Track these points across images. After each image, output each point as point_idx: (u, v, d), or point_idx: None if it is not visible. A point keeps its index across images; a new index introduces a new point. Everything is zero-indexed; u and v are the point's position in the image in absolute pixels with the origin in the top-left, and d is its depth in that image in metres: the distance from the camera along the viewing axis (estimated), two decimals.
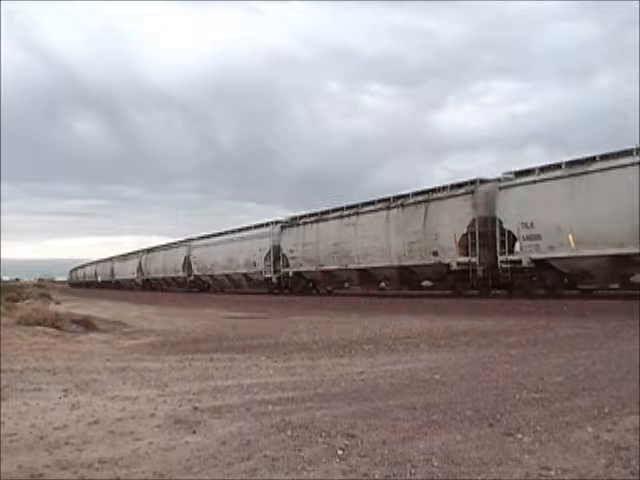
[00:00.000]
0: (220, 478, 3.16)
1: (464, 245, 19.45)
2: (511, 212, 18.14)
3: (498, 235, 18.50)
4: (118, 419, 4.48)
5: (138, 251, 54.27)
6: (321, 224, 27.30)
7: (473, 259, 19.20)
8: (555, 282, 17.82)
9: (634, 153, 15.19)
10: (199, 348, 9.23)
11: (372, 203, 24.66)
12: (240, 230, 35.64)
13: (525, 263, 17.87)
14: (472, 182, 20.02)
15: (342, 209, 26.30)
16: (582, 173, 16.29)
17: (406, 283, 23.30)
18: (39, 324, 12.87)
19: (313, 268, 27.38)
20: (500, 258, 18.41)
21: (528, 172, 18.09)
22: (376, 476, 3.13)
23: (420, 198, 21.89)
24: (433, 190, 21.60)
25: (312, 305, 21.34)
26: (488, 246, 18.94)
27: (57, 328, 12.67)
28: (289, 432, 4.00)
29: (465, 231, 19.43)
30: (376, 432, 3.95)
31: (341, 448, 3.60)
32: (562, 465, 3.19)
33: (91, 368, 7.16)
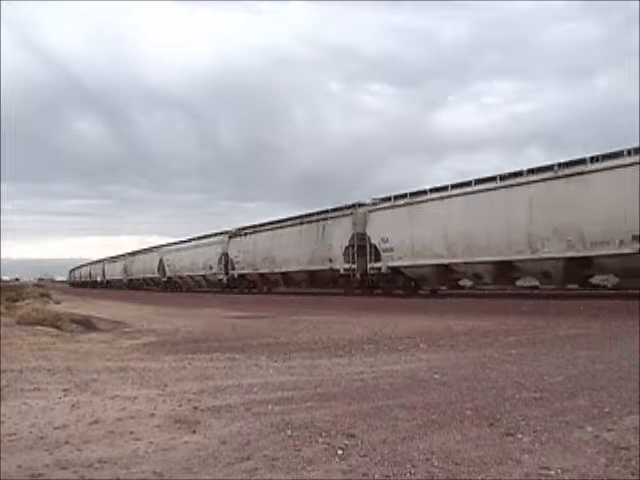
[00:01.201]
0: (220, 478, 3.16)
1: (347, 254, 24.88)
2: (375, 230, 23.70)
3: (368, 247, 23.81)
4: (118, 419, 4.48)
5: (124, 254, 59.59)
6: (257, 235, 33.17)
7: (353, 266, 24.60)
8: (405, 284, 23.14)
9: (472, 183, 19.94)
10: (199, 348, 9.23)
11: (294, 218, 30.20)
12: (201, 238, 41.38)
13: (384, 269, 23.27)
14: (353, 205, 25.73)
15: (273, 223, 32.17)
16: (416, 202, 21.86)
17: (314, 284, 28.48)
18: (39, 324, 12.89)
19: (252, 271, 33.14)
20: (369, 265, 23.85)
21: (389, 199, 23.60)
22: (376, 476, 3.13)
23: (321, 216, 27.66)
24: (329, 211, 27.37)
25: (312, 305, 21.36)
26: (363, 256, 24.09)
27: (57, 328, 12.69)
28: (289, 432, 4.00)
29: (348, 244, 24.94)
30: (376, 432, 3.95)
31: (341, 448, 3.60)
32: (562, 465, 3.19)
33: (91, 368, 7.16)
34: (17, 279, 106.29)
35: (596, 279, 18.00)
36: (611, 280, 17.47)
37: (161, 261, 46.63)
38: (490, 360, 7.08)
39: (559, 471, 3.11)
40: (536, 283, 19.56)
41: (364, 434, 3.90)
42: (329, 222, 26.79)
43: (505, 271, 19.22)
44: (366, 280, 24.21)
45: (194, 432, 4.08)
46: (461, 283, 22.24)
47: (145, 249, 53.86)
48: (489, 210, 18.94)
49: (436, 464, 3.26)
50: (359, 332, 10.89)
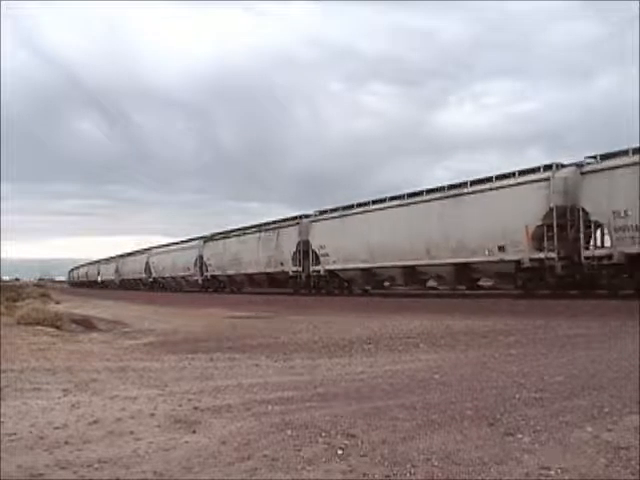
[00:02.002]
0: (220, 478, 3.16)
1: (295, 259, 29.16)
2: (315, 237, 28.08)
3: (310, 253, 28.15)
4: (118, 419, 4.48)
5: (115, 256, 62.77)
6: (226, 240, 37.48)
7: (299, 268, 28.86)
8: (341, 285, 27.54)
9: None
10: (199, 348, 9.23)
11: (254, 227, 34.54)
12: (182, 242, 45.77)
13: (322, 272, 27.56)
14: (300, 217, 29.95)
15: (240, 229, 36.53)
16: (344, 216, 26.46)
17: (270, 285, 32.52)
18: (39, 324, 12.89)
19: (221, 273, 37.45)
20: (311, 268, 28.15)
21: (325, 212, 28.32)
22: (376, 476, 3.13)
23: (275, 225, 31.96)
24: (281, 220, 31.87)
25: (312, 305, 21.36)
26: (307, 259, 28.43)
27: (57, 328, 12.69)
28: (289, 432, 4.00)
29: (294, 249, 29.14)
30: (376, 432, 3.95)
31: (341, 448, 3.60)
32: (562, 465, 3.19)
33: (91, 368, 7.17)
34: (17, 279, 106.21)
35: (482, 281, 22.16)
36: (488, 282, 21.16)
37: (147, 263, 50.05)
38: (490, 360, 7.08)
39: (559, 471, 3.11)
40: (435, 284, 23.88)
41: (364, 434, 3.90)
42: (281, 231, 31.03)
43: (413, 274, 23.20)
44: (309, 281, 28.60)
45: (194, 432, 4.08)
46: (386, 284, 25.91)
47: (135, 251, 57.05)
48: (395, 223, 23.10)
49: (436, 464, 3.26)
50: (358, 331, 10.89)
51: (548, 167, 18.01)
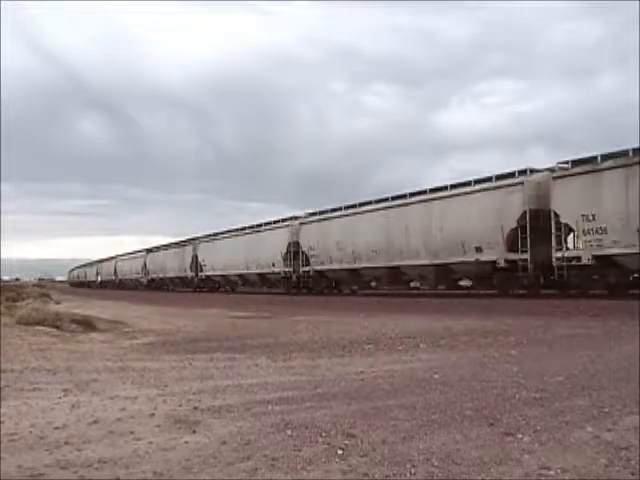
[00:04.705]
0: (220, 478, 3.16)
1: (285, 259, 30.52)
2: (305, 239, 29.43)
3: (300, 254, 29.72)
4: (118, 419, 4.48)
5: (113, 257, 66.49)
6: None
7: (289, 269, 30.33)
8: (328, 285, 29.19)
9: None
10: (199, 348, 9.23)
11: (246, 228, 37.15)
12: (177, 244, 49.19)
13: (311, 272, 29.11)
14: (290, 218, 31.88)
15: (231, 231, 39.28)
16: (331, 218, 28.22)
17: (262, 285, 34.62)
18: (39, 324, 12.87)
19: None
20: (301, 269, 29.71)
21: (315, 214, 30.12)
22: (376, 476, 3.13)
23: (267, 227, 33.95)
24: (273, 222, 33.82)
25: (312, 305, 21.36)
26: (297, 260, 29.94)
27: (57, 328, 12.67)
28: (289, 432, 4.00)
29: (285, 250, 30.60)
30: (376, 432, 3.95)
31: (341, 448, 3.60)
32: (562, 465, 3.19)
33: (91, 368, 7.16)
34: (17, 279, 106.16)
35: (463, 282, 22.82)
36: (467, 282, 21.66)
37: (145, 263, 53.67)
38: (490, 360, 7.08)
39: (559, 471, 3.11)
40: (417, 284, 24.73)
41: (364, 434, 3.90)
42: (273, 232, 32.76)
43: (396, 275, 24.19)
44: (299, 281, 29.99)
45: (194, 432, 4.08)
46: (372, 284, 27.02)
47: (129, 252, 61.43)
48: (378, 225, 24.27)
49: (436, 464, 3.26)
50: (358, 332, 10.89)
51: (522, 172, 18.81)
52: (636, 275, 16.22)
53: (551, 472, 3.10)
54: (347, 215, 26.77)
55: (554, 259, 17.27)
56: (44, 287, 55.95)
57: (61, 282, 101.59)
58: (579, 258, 16.70)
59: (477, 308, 16.07)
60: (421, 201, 22.31)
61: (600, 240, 16.11)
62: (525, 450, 3.46)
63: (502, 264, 18.81)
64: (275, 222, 33.26)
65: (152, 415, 4.61)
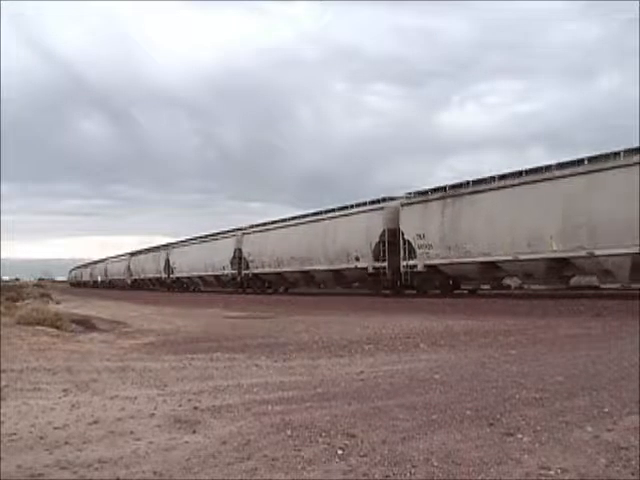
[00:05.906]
0: (220, 478, 3.16)
1: (232, 263, 35.90)
2: (246, 248, 34.60)
3: (242, 259, 34.72)
4: (118, 419, 4.48)
5: (105, 258, 70.26)
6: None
7: (235, 272, 35.31)
8: (262, 285, 33.67)
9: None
10: (199, 348, 9.23)
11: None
12: (157, 248, 53.46)
13: (250, 275, 33.97)
14: (238, 230, 36.98)
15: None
16: (266, 230, 33.64)
17: (218, 284, 38.92)
18: (39, 324, 12.87)
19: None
20: (243, 272, 34.69)
21: (256, 226, 35.42)
22: (376, 476, 3.13)
23: (222, 236, 38.83)
24: (219, 233, 39.86)
25: (312, 305, 21.39)
26: (240, 264, 34.95)
27: (57, 328, 12.67)
28: (289, 432, 4.00)
29: (232, 256, 35.92)
30: (376, 432, 3.94)
31: (341, 448, 3.60)
32: (562, 465, 3.19)
33: (91, 368, 7.16)
34: (17, 279, 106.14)
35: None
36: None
37: (129, 266, 58.02)
38: (490, 360, 7.08)
39: (559, 471, 3.11)
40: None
41: (364, 434, 3.90)
42: (224, 240, 38.03)
43: (309, 277, 29.77)
44: (245, 281, 35.24)
45: (194, 432, 4.08)
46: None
47: (118, 255, 65.77)
48: (297, 237, 29.48)
49: (436, 464, 3.26)
50: (359, 331, 10.88)
51: (384, 199, 24.73)
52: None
53: (551, 472, 3.10)
54: (277, 228, 32.39)
55: (402, 267, 22.74)
56: (44, 287, 55.95)
57: (61, 282, 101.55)
58: (416, 266, 22.16)
59: (477, 308, 16.07)
60: (323, 219, 28.30)
61: (428, 253, 21.62)
62: (525, 450, 3.46)
63: (371, 270, 24.33)
64: (227, 232, 38.82)
65: (152, 415, 4.61)
